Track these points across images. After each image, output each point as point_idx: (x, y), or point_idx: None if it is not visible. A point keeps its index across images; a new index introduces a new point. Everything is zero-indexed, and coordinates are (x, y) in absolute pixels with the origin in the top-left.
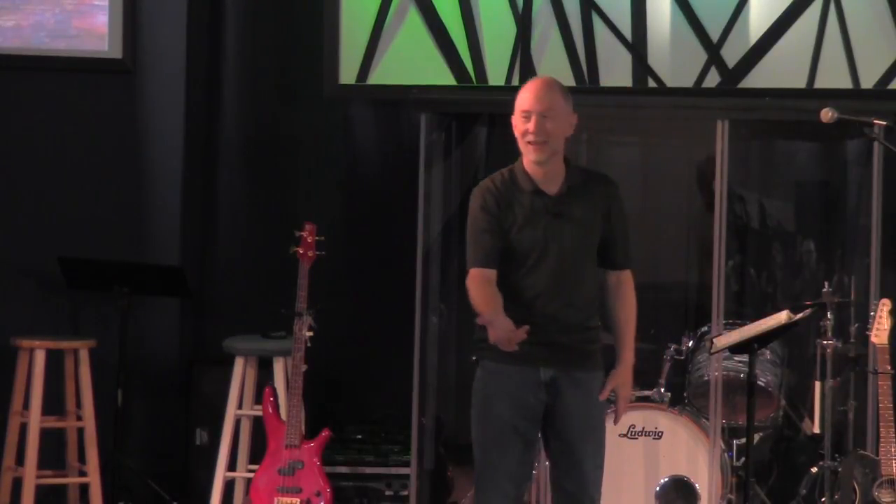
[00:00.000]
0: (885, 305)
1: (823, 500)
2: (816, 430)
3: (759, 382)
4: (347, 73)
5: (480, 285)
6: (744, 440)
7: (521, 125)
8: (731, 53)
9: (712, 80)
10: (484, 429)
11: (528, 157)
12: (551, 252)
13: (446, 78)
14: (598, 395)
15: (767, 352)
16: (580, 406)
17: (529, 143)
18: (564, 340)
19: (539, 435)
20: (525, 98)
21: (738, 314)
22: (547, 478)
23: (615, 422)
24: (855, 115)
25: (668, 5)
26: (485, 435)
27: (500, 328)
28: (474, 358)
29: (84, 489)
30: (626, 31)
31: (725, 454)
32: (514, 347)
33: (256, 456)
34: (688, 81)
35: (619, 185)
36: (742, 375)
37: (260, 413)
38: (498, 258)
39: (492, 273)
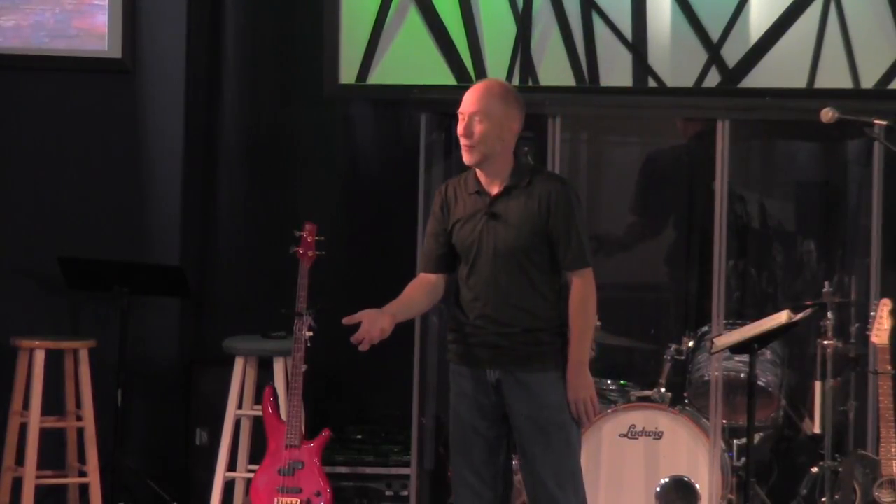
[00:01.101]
0: (885, 305)
1: (824, 500)
2: (817, 430)
3: (760, 382)
4: (347, 73)
5: (407, 287)
6: (744, 440)
7: (458, 126)
8: (732, 53)
9: (712, 80)
10: (451, 428)
11: (463, 159)
12: (487, 252)
13: (446, 78)
14: (555, 397)
15: (768, 352)
16: (526, 407)
17: (462, 144)
18: (504, 342)
19: (503, 435)
20: (462, 100)
21: (739, 314)
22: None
23: (579, 427)
24: (855, 115)
25: (669, 5)
26: (452, 434)
27: (362, 327)
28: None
29: (84, 489)
30: (627, 31)
31: (726, 454)
32: (365, 347)
33: (256, 456)
34: (688, 81)
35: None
36: (742, 375)
37: (260, 413)
38: (439, 262)
39: (427, 277)
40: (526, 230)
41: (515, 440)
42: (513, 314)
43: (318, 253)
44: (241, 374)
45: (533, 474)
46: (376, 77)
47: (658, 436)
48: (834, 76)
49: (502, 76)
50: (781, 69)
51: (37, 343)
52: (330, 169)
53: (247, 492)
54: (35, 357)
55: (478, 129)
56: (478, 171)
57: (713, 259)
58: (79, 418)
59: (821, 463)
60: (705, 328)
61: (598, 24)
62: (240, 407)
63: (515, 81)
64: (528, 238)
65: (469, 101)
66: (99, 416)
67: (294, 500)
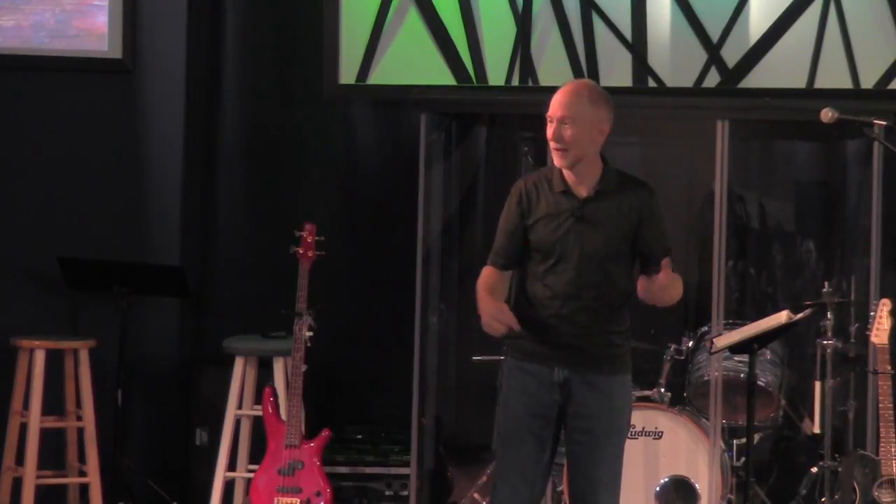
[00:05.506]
0: (885, 305)
1: (823, 500)
2: (816, 430)
3: (759, 382)
4: (347, 73)
5: (482, 279)
6: (744, 440)
7: (547, 130)
8: (731, 53)
9: (712, 80)
10: (502, 423)
11: (554, 161)
12: (572, 254)
13: (446, 78)
14: (621, 400)
15: (767, 352)
16: (593, 408)
17: (553, 148)
18: (579, 343)
19: (554, 434)
20: (551, 103)
21: (738, 314)
22: None
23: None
24: (855, 115)
25: (668, 5)
26: (503, 430)
27: (486, 311)
28: (502, 357)
29: (84, 489)
30: (626, 31)
31: (725, 454)
32: (500, 332)
33: (256, 456)
34: (688, 81)
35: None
36: (742, 375)
37: (260, 413)
38: (511, 258)
39: (498, 272)
40: (615, 236)
41: (570, 439)
42: (589, 316)
43: (318, 253)
44: (241, 374)
45: (584, 475)
46: (376, 77)
47: (658, 436)
48: (834, 76)
49: (502, 76)
50: (781, 69)
51: (37, 343)
52: (330, 169)
53: (247, 492)
54: (35, 357)
55: (568, 133)
56: (565, 171)
57: (713, 259)
58: (79, 418)
59: (820, 463)
60: (705, 328)
61: (598, 25)
62: (240, 407)
63: (515, 81)
64: (616, 244)
65: (557, 105)
66: (99, 416)
67: (294, 499)
